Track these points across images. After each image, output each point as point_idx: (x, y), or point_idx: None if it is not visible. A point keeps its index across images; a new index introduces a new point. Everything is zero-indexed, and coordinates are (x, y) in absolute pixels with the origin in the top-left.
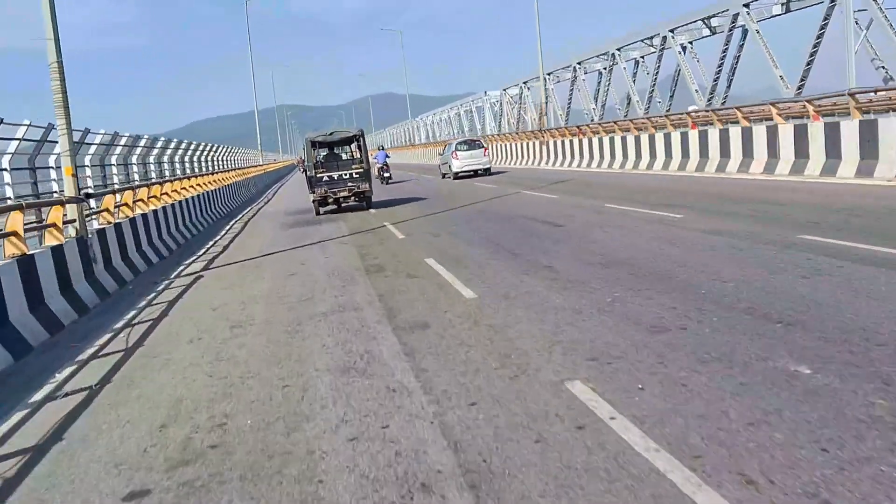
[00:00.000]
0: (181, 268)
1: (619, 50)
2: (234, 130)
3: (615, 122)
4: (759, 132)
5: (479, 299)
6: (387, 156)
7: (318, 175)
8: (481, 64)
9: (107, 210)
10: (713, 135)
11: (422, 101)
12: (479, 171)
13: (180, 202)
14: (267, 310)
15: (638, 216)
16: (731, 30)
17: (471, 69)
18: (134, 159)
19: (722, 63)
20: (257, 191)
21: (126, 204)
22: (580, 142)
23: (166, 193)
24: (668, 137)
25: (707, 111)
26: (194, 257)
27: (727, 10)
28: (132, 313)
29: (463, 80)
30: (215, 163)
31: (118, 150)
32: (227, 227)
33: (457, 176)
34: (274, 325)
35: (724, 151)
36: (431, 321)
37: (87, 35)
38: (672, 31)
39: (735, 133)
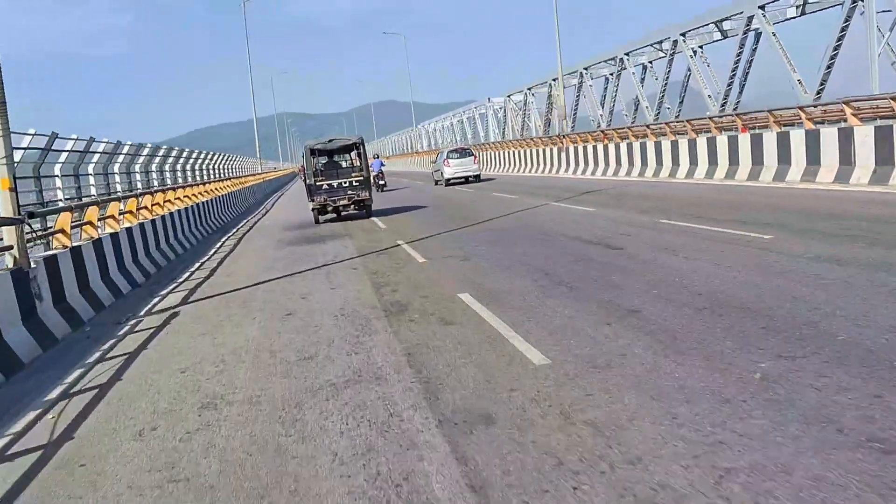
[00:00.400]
0: (155, 300)
1: (627, 55)
2: (235, 138)
3: (647, 126)
4: (829, 135)
5: (556, 367)
6: (382, 164)
7: (318, 183)
8: (482, 71)
9: (62, 231)
10: (769, 139)
11: (423, 108)
12: (470, 178)
13: (164, 217)
14: (253, 374)
15: (712, 236)
16: (745, 32)
17: (471, 76)
18: (116, 168)
19: (736, 67)
20: (255, 201)
21: (90, 222)
22: (605, 147)
23: (145, 207)
24: (712, 142)
25: (758, 113)
26: (174, 285)
27: (741, 12)
28: (76, 374)
29: (463, 88)
30: (210, 172)
31: (95, 157)
32: (219, 245)
33: (448, 182)
34: (261, 405)
35: (784, 157)
36: (495, 410)
37: (87, 42)
38: (683, 34)
39: (797, 137)
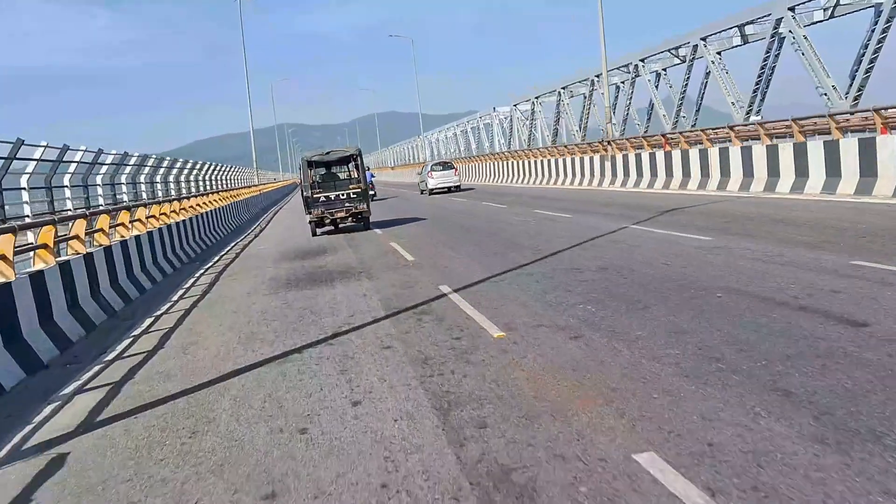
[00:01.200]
0: (42, 413)
1: (642, 61)
2: (238, 149)
3: (711, 130)
4: None
5: None
6: (372, 175)
7: (315, 195)
8: (481, 84)
9: None
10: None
11: (424, 119)
12: (451, 188)
13: (122, 243)
14: None
15: None
16: (772, 36)
17: (472, 88)
18: (123, 178)
19: (762, 73)
20: (250, 216)
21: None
22: (650, 156)
23: (76, 237)
24: (800, 148)
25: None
26: (88, 374)
27: (769, 14)
28: None
29: (464, 99)
30: (201, 183)
31: (104, 168)
32: (189, 284)
33: (432, 192)
34: None
35: None
36: None
37: (92, 55)
38: (704, 38)
39: None
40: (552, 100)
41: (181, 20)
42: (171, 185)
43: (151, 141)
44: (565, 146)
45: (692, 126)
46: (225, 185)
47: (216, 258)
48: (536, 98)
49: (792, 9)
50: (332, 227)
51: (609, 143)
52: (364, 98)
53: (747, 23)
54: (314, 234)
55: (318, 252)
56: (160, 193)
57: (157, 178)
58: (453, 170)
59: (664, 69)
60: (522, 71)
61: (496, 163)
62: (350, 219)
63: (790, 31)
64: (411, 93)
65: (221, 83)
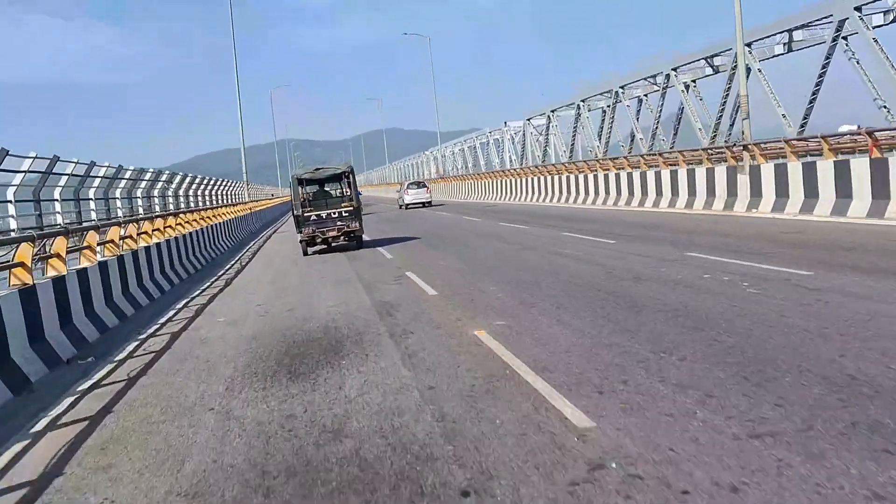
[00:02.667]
0: None
1: (622, 88)
2: (239, 164)
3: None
4: None
5: None
6: (360, 193)
7: (306, 214)
8: (483, 102)
9: None
10: None
11: (425, 136)
12: (425, 203)
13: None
14: None
15: None
16: (733, 68)
17: (474, 106)
18: (118, 193)
19: (725, 101)
20: (235, 243)
21: None
22: (672, 174)
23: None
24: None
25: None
26: None
27: (730, 49)
28: None
29: (466, 117)
30: (178, 200)
31: (96, 182)
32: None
33: (407, 206)
34: None
35: None
36: None
37: (97, 70)
38: (675, 69)
39: None
40: (567, 114)
41: (184, 35)
42: (147, 201)
43: (152, 155)
44: (585, 162)
45: (671, 147)
46: (207, 202)
47: (134, 344)
48: (553, 111)
49: (749, 44)
50: (325, 247)
51: (652, 155)
52: (367, 115)
53: (714, 55)
54: (305, 254)
55: (318, 320)
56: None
57: (137, 193)
58: (426, 188)
59: (645, 95)
60: (524, 90)
61: (508, 180)
62: (342, 237)
63: (843, 39)
64: (414, 110)
65: (223, 97)
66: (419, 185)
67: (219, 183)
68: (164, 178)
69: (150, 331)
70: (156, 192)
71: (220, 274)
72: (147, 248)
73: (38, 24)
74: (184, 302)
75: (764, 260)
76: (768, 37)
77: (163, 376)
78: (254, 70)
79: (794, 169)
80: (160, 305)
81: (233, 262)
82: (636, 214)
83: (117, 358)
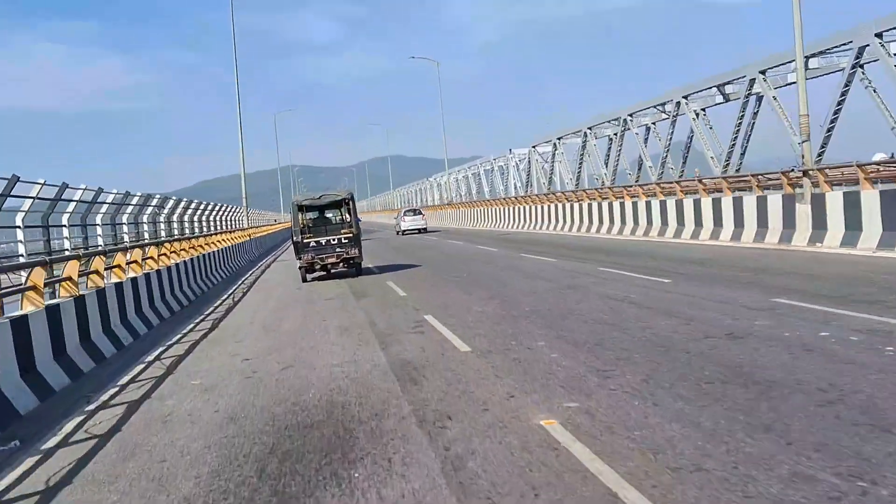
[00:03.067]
0: None
1: (630, 116)
2: (242, 189)
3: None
4: None
5: None
6: (359, 220)
7: (305, 241)
8: (484, 131)
9: None
10: None
11: (428, 162)
12: (420, 230)
13: None
14: None
15: None
16: (746, 96)
17: (477, 135)
18: (124, 219)
19: (738, 130)
20: (231, 273)
21: None
22: (715, 202)
23: None
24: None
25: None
26: None
27: (744, 76)
28: None
29: (470, 145)
30: (172, 226)
31: (104, 208)
32: None
33: (404, 232)
34: None
35: None
36: None
37: (105, 97)
38: (686, 97)
39: None
40: (574, 141)
41: (192, 64)
42: (153, 227)
43: (158, 181)
44: (597, 190)
45: (679, 175)
46: (205, 228)
47: (52, 435)
48: (559, 139)
49: (763, 71)
50: (325, 273)
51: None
52: (370, 142)
53: (726, 83)
54: (304, 280)
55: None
56: (124, 238)
57: (142, 218)
58: (421, 215)
59: (654, 123)
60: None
61: (517, 207)
62: (342, 264)
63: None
64: (416, 138)
65: (229, 125)
66: (415, 212)
67: (216, 208)
68: (154, 202)
69: (104, 398)
70: (145, 218)
71: (207, 313)
72: (119, 285)
73: (47, 53)
74: (157, 352)
75: (885, 311)
76: (782, 64)
77: (92, 489)
78: (258, 99)
79: (870, 198)
80: (130, 356)
81: (224, 297)
82: (672, 247)
83: (46, 445)
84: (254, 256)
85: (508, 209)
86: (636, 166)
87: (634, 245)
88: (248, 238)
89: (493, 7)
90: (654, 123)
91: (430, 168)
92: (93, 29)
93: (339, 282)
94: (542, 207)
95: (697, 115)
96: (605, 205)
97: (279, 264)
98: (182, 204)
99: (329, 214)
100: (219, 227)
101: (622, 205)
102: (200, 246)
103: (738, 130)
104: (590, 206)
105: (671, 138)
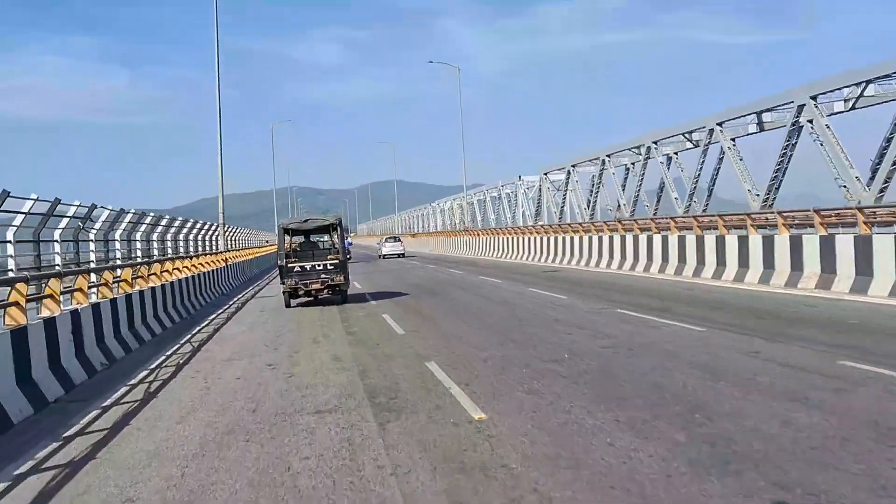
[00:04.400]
0: None
1: (608, 156)
2: (239, 208)
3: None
4: None
5: None
6: (350, 243)
7: (290, 265)
8: (484, 159)
9: None
10: None
11: (428, 188)
12: (399, 255)
13: None
14: None
15: None
16: (707, 144)
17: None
18: (117, 235)
19: (699, 174)
20: (185, 317)
21: None
22: (719, 241)
23: None
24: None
25: None
26: None
27: (703, 126)
28: None
29: (471, 172)
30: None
31: (98, 224)
32: None
33: (384, 256)
34: None
35: None
36: None
37: (109, 113)
38: (656, 142)
39: None
40: (587, 170)
41: (194, 83)
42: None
43: (159, 197)
44: (605, 222)
45: (654, 213)
46: (164, 251)
47: None
48: (573, 166)
49: (720, 123)
50: (311, 299)
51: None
52: (371, 167)
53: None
54: (288, 305)
55: None
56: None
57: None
58: (400, 242)
59: (632, 163)
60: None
61: (524, 237)
62: (326, 290)
63: (808, 121)
64: (416, 164)
65: (230, 143)
66: (395, 239)
67: (177, 226)
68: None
69: None
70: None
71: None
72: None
73: (52, 65)
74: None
75: None
76: (740, 117)
77: None
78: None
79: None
80: None
81: (149, 373)
82: (729, 292)
83: None
84: (230, 288)
85: (516, 239)
86: (654, 197)
87: (651, 283)
88: (223, 264)
89: (498, 38)
90: (676, 154)
91: (429, 193)
92: (98, 44)
93: (342, 362)
94: (554, 238)
95: (710, 152)
96: (629, 238)
97: (257, 303)
98: (129, 218)
99: (316, 239)
100: (181, 250)
101: (649, 239)
102: (147, 277)
103: (700, 172)
104: (611, 239)
105: (701, 167)
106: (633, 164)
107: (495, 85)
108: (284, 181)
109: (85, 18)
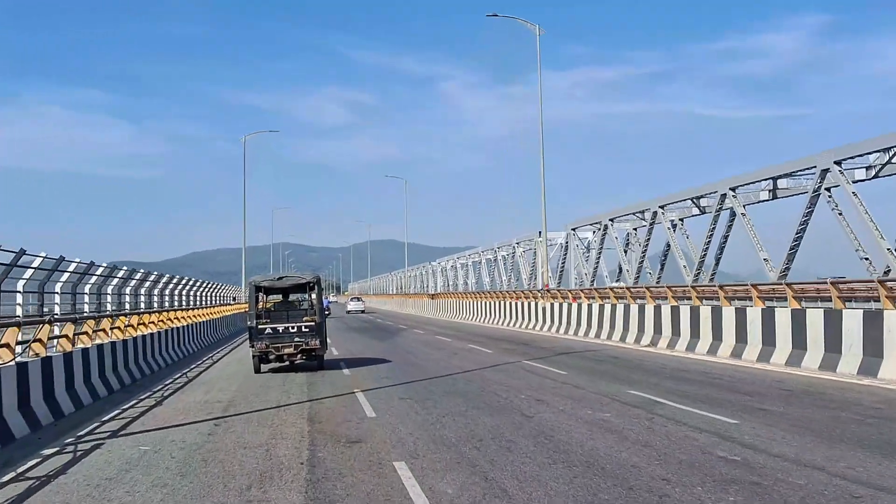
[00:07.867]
0: None
1: (611, 221)
2: (230, 263)
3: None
4: None
5: None
6: (329, 301)
7: (259, 326)
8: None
9: None
10: None
11: (422, 250)
12: (362, 311)
13: None
14: None
15: None
16: (718, 210)
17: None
18: (86, 289)
19: (709, 241)
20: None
21: None
22: (720, 313)
23: None
24: None
25: None
26: None
27: (715, 191)
28: None
29: (462, 235)
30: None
31: (64, 276)
32: None
33: (349, 312)
34: None
35: None
36: None
37: (111, 166)
38: (662, 207)
39: None
40: (586, 236)
41: (196, 137)
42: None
43: (150, 249)
44: (628, 288)
45: (657, 281)
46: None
47: None
48: (573, 229)
49: (734, 188)
50: (285, 364)
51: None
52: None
53: (700, 196)
54: (257, 370)
55: None
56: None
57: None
58: (362, 302)
59: (634, 229)
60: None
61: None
62: (300, 355)
63: (826, 189)
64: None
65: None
66: (357, 299)
67: (154, 280)
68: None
69: None
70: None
71: None
72: None
73: (56, 117)
74: None
75: None
76: (756, 182)
77: None
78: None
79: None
80: None
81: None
82: (728, 370)
83: None
84: (187, 353)
85: (510, 304)
86: (657, 264)
87: (652, 358)
88: (160, 328)
89: (500, 102)
90: (681, 220)
91: (420, 254)
92: (102, 98)
93: None
94: (551, 305)
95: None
96: (633, 308)
97: (199, 386)
98: (100, 271)
99: (293, 298)
100: (155, 305)
101: (656, 309)
102: None
103: (709, 241)
104: (613, 308)
105: (712, 233)
106: (635, 229)
107: (498, 147)
108: (279, 237)
109: (85, 74)
